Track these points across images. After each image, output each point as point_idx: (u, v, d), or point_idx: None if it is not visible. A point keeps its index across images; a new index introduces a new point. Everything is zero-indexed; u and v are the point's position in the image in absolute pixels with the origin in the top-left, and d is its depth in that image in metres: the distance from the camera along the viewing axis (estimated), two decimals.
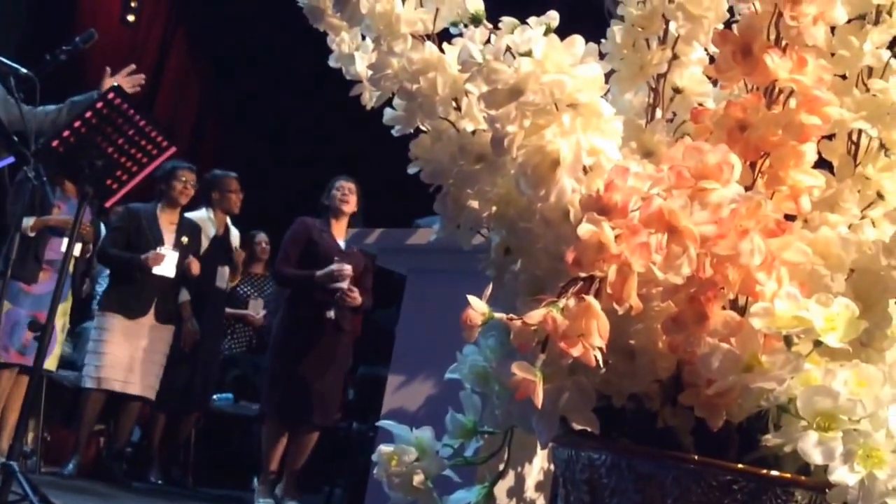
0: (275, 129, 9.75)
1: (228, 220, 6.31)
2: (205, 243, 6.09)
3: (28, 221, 5.02)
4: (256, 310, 7.17)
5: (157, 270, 5.63)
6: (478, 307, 1.02)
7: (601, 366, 0.99)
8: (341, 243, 5.64)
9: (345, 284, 5.47)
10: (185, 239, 5.83)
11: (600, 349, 0.98)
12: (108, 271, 6.08)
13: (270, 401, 5.57)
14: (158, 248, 5.64)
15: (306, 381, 5.43)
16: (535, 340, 0.97)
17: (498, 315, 1.02)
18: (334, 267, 5.43)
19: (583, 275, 0.97)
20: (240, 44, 9.77)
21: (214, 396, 6.68)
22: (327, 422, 5.62)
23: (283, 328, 5.65)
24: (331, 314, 5.52)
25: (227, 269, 6.22)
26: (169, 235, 5.77)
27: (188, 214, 6.05)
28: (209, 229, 6.14)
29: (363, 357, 6.58)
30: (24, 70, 4.07)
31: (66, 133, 3.58)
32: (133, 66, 4.50)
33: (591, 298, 0.95)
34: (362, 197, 5.82)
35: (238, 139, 10.10)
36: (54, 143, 3.61)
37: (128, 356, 5.58)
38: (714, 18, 1.24)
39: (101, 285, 6.11)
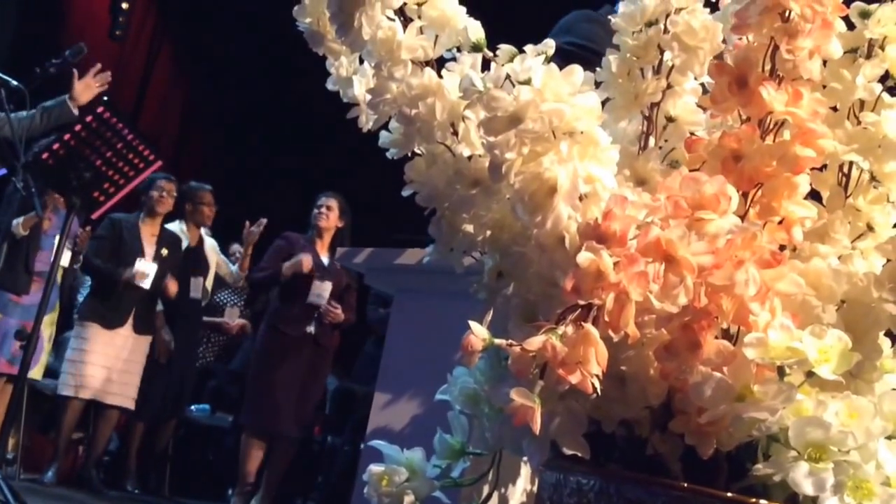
0: (259, 143, 9.76)
1: (203, 231, 6.33)
2: (178, 255, 6.12)
3: (18, 220, 5.01)
4: (232, 318, 7.17)
5: (135, 281, 5.65)
6: (478, 333, 1.02)
7: (598, 392, 1.00)
8: (324, 259, 5.65)
9: (321, 302, 5.50)
10: (164, 251, 5.84)
11: (597, 376, 0.98)
12: (88, 281, 6.08)
13: (249, 413, 5.57)
14: (139, 260, 5.64)
15: (285, 394, 5.45)
16: (534, 366, 0.98)
17: (497, 341, 1.02)
18: (301, 257, 5.46)
19: (581, 302, 0.98)
20: (225, 59, 9.79)
21: (192, 407, 6.67)
22: (304, 435, 5.65)
23: (263, 342, 5.66)
24: (311, 329, 5.53)
25: (200, 280, 6.24)
26: (149, 247, 5.79)
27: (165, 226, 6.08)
28: (184, 240, 6.17)
29: (335, 371, 6.59)
30: (14, 82, 4.08)
31: (55, 146, 3.59)
32: (99, 66, 4.52)
33: (589, 326, 0.96)
34: (348, 213, 5.83)
35: (222, 153, 10.10)
36: (44, 156, 3.61)
37: (106, 365, 5.60)
38: (709, 49, 1.26)
39: (83, 295, 6.10)
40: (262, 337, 5.72)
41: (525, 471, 1.93)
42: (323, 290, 5.57)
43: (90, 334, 5.59)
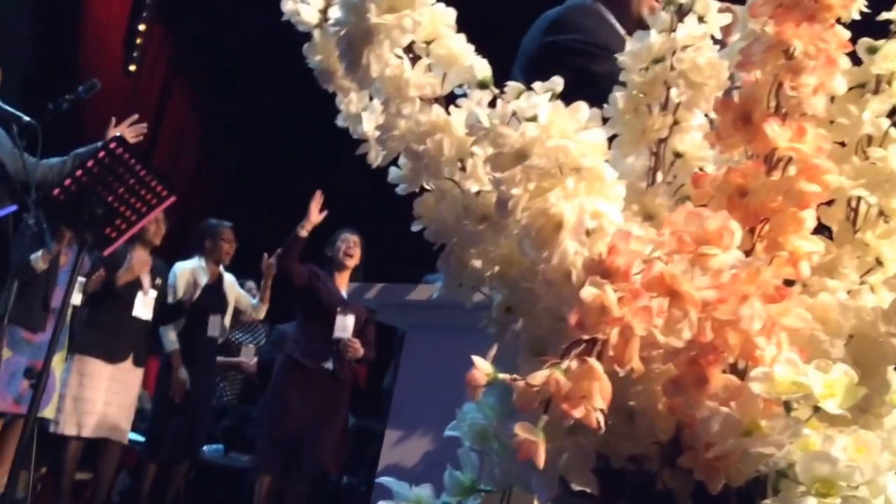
0: (274, 178, 9.82)
1: (222, 268, 6.33)
2: (196, 292, 6.11)
3: (37, 254, 5.04)
4: (249, 356, 7.17)
5: (135, 313, 5.64)
6: (482, 367, 1.03)
7: (602, 427, 1.00)
8: (344, 293, 5.66)
9: (346, 336, 5.48)
10: (158, 281, 5.86)
11: (602, 411, 0.99)
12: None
13: (264, 451, 5.54)
14: (139, 295, 5.66)
15: (301, 432, 5.41)
16: (538, 401, 0.98)
17: (501, 375, 1.03)
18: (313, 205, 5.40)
19: (585, 337, 0.99)
20: (239, 93, 9.87)
21: (205, 447, 6.64)
22: (320, 473, 5.60)
23: (279, 377, 5.65)
24: (328, 365, 5.52)
25: (218, 318, 6.24)
26: (146, 278, 5.80)
27: (180, 264, 6.08)
28: (200, 278, 6.17)
29: (353, 409, 6.56)
30: (26, 118, 4.13)
31: (67, 182, 3.62)
32: (136, 116, 4.57)
33: (593, 361, 0.96)
34: (364, 249, 5.86)
35: (235, 188, 10.16)
36: (56, 192, 3.65)
37: (108, 401, 5.57)
38: (715, 86, 1.27)
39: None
40: (279, 370, 5.72)
41: None
42: (347, 324, 5.57)
43: (91, 369, 5.56)
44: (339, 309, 5.58)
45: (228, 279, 6.42)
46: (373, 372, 6.39)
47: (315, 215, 5.58)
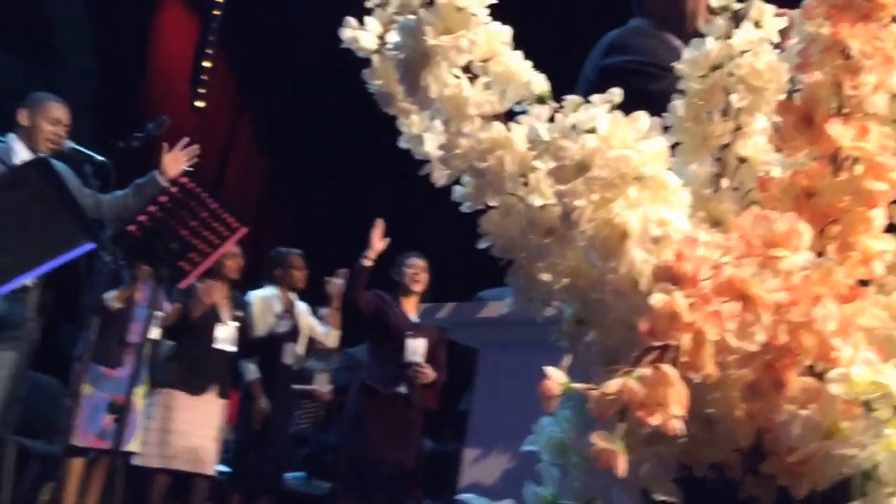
0: (342, 206, 9.91)
1: (294, 295, 6.38)
2: (271, 320, 6.16)
3: (111, 294, 5.13)
4: (323, 384, 7.20)
5: (218, 345, 5.71)
6: (556, 377, 1.03)
7: (682, 434, 1.00)
8: (412, 317, 5.67)
9: (417, 359, 5.48)
10: (240, 313, 5.92)
11: (680, 417, 0.99)
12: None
13: (343, 478, 5.56)
14: (217, 326, 5.72)
15: (378, 457, 5.41)
16: (614, 410, 0.98)
17: (576, 385, 1.03)
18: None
19: (657, 344, 0.99)
20: (305, 123, 10.00)
21: (288, 475, 6.69)
22: (401, 499, 5.59)
23: (354, 404, 5.67)
24: (402, 389, 5.52)
25: (293, 346, 6.29)
26: (224, 310, 5.87)
27: (254, 293, 6.15)
28: (275, 306, 6.22)
29: (431, 433, 6.56)
30: (99, 157, 4.24)
31: (142, 217, 3.70)
32: (186, 139, 4.63)
33: (666, 367, 0.96)
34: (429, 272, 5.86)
35: (303, 218, 10.27)
36: (131, 228, 3.73)
37: (192, 433, 5.62)
38: (775, 89, 1.26)
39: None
40: (354, 396, 5.74)
41: None
42: (417, 348, 5.57)
43: (176, 402, 5.64)
44: (408, 333, 5.59)
45: (301, 307, 6.48)
46: (449, 394, 6.38)
47: (377, 244, 5.62)
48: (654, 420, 0.96)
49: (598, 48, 2.34)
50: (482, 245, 1.35)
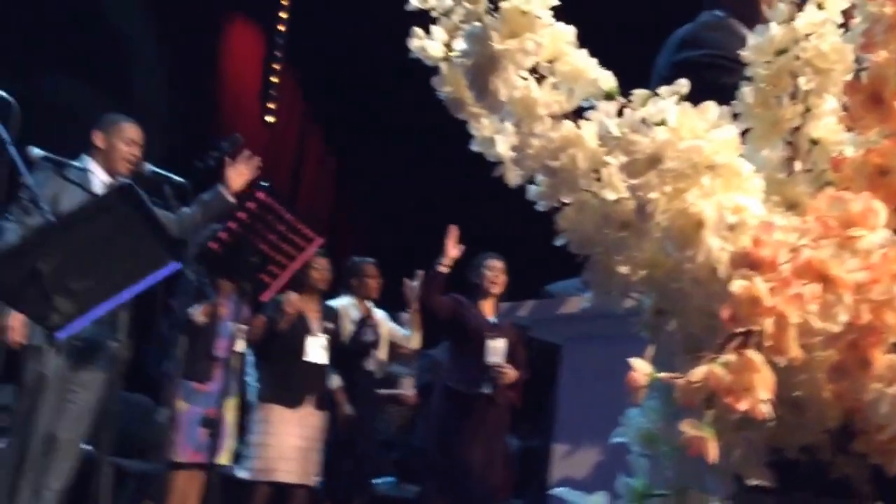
0: (415, 211, 9.95)
1: (370, 303, 6.44)
2: (350, 329, 6.22)
3: (194, 309, 5.21)
4: (409, 388, 7.25)
5: (309, 357, 5.77)
6: (641, 368, 1.05)
7: (770, 418, 1.01)
8: (491, 319, 5.68)
9: (498, 360, 5.50)
10: (329, 324, 5.97)
11: (768, 401, 0.99)
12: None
13: (431, 481, 5.59)
14: (308, 339, 5.78)
15: (465, 458, 5.43)
16: (701, 397, 0.99)
17: (661, 375, 1.05)
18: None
19: (740, 329, 1.00)
20: (374, 132, 10.07)
21: (378, 480, 6.73)
22: (491, 499, 5.59)
23: (438, 406, 5.70)
24: (485, 389, 5.53)
25: (374, 352, 6.33)
26: (314, 323, 5.92)
27: (329, 302, 6.21)
28: (353, 314, 6.27)
29: (518, 431, 6.56)
30: (177, 178, 4.33)
31: (222, 234, 3.78)
32: (248, 153, 4.65)
33: (751, 352, 0.98)
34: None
35: (379, 224, 10.35)
36: (213, 245, 3.81)
37: (290, 445, 5.68)
38: (842, 70, 1.26)
39: (250, 377, 6.23)
40: (438, 400, 5.77)
41: None
42: (498, 348, 5.59)
43: (273, 416, 5.71)
44: (488, 334, 5.61)
45: (379, 314, 6.54)
46: (533, 391, 6.38)
47: (452, 250, 5.64)
48: (742, 405, 0.97)
49: (670, 44, 2.33)
50: (558, 242, 1.37)
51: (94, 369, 4.31)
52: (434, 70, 1.39)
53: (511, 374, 5.56)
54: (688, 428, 0.98)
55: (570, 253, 1.38)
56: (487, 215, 8.24)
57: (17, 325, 3.98)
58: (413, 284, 6.08)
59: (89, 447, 4.61)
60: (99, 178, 4.41)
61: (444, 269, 5.57)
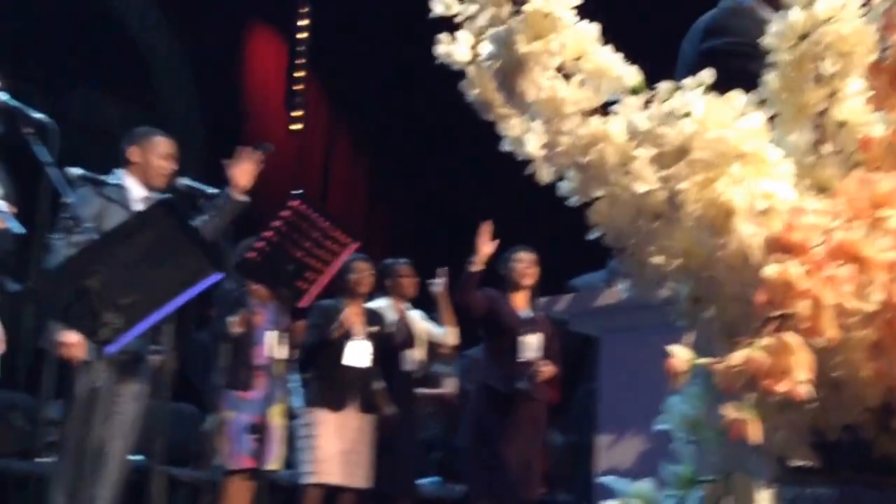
0: (446, 210, 9.97)
1: (407, 304, 6.47)
2: (386, 329, 6.26)
3: (230, 319, 5.26)
4: (451, 387, 7.26)
5: (349, 361, 5.81)
6: (681, 355, 1.07)
7: (811, 399, 1.02)
8: (523, 313, 5.68)
9: (534, 355, 5.49)
10: (374, 328, 6.01)
11: (808, 382, 1.01)
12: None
13: (474, 480, 5.59)
14: (349, 342, 5.82)
15: (505, 456, 5.42)
16: (741, 382, 1.01)
17: (701, 360, 1.07)
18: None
19: (776, 313, 1.01)
20: (400, 133, 10.09)
21: (423, 480, 6.76)
22: (532, 495, 5.58)
23: (476, 404, 5.70)
24: (522, 385, 5.53)
25: (411, 352, 6.36)
26: (357, 327, 5.96)
27: (368, 305, 6.25)
28: (389, 316, 6.30)
29: (559, 425, 6.55)
30: (212, 190, 4.38)
31: (259, 244, 3.82)
32: (244, 148, 4.63)
33: (788, 334, 0.99)
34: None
35: (411, 225, 10.38)
36: (250, 255, 3.86)
37: (339, 448, 5.73)
38: (864, 51, 1.27)
39: (294, 381, 6.28)
40: (476, 398, 5.77)
41: (764, 492, 1.92)
42: (532, 344, 5.58)
43: (318, 419, 5.77)
44: (521, 330, 5.61)
45: (414, 314, 6.56)
46: (571, 385, 6.38)
47: (484, 248, 5.62)
48: (782, 387, 0.99)
49: (694, 32, 2.33)
50: (592, 235, 1.39)
51: (139, 381, 4.39)
52: (457, 69, 1.42)
53: (548, 369, 5.55)
54: (729, 411, 1.00)
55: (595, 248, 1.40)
56: (519, 212, 8.24)
57: (77, 341, 4.05)
58: (438, 282, 6.08)
59: (141, 457, 4.69)
60: (136, 194, 4.46)
61: (476, 268, 5.56)
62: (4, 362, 3.51)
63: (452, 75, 1.43)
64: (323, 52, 10.21)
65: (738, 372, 1.00)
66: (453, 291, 5.86)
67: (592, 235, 1.39)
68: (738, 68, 2.07)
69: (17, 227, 2.78)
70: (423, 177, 10.22)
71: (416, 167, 10.28)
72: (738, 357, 1.00)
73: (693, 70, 2.26)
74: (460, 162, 9.58)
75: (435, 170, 10.07)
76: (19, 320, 3.46)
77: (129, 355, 4.21)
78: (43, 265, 3.93)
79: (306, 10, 10.23)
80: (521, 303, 5.78)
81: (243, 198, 4.51)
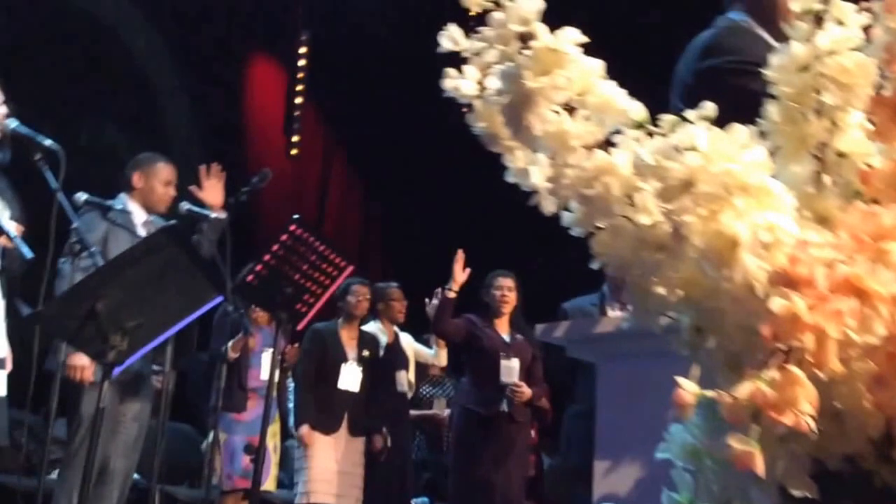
0: (438, 236, 10.00)
1: (396, 328, 6.53)
2: (379, 353, 6.30)
3: (227, 345, 5.31)
4: (441, 409, 7.29)
5: (344, 385, 5.84)
6: (688, 387, 1.08)
7: (814, 431, 1.03)
8: (506, 337, 5.72)
9: (512, 380, 5.54)
10: (366, 352, 6.04)
11: (811, 415, 1.02)
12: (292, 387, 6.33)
13: (456, 501, 5.62)
14: (343, 366, 5.85)
15: (489, 478, 5.46)
16: (747, 414, 1.02)
17: (707, 393, 1.08)
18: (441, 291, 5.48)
19: (782, 346, 1.03)
20: (394, 162, 10.15)
21: (413, 500, 6.78)
22: None
23: (458, 426, 5.75)
24: (503, 407, 5.57)
25: (403, 374, 6.40)
26: (351, 351, 5.99)
27: (363, 328, 6.29)
28: (380, 339, 6.36)
29: (546, 448, 6.56)
30: (213, 214, 4.41)
31: (258, 267, 3.85)
32: (205, 166, 4.68)
33: (794, 368, 1.01)
34: (520, 288, 5.89)
35: (403, 250, 10.41)
36: (249, 278, 3.88)
37: (330, 469, 5.77)
38: (865, 84, 1.28)
39: (292, 402, 6.33)
40: (458, 421, 5.81)
41: None
42: (511, 368, 5.64)
43: (310, 441, 5.81)
44: (502, 354, 5.66)
45: (405, 337, 6.63)
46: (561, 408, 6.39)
47: (459, 275, 5.69)
48: (787, 420, 1.00)
49: (692, 50, 2.32)
50: (595, 265, 1.41)
51: (140, 400, 4.44)
52: (454, 96, 1.43)
53: (526, 392, 5.61)
54: (736, 443, 1.01)
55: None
56: (511, 237, 8.27)
57: (88, 363, 4.10)
58: (434, 303, 6.14)
59: (138, 476, 4.70)
60: (139, 218, 4.53)
61: (452, 295, 5.63)
62: (12, 382, 3.55)
63: (446, 102, 1.44)
64: (321, 80, 10.27)
65: (744, 404, 1.01)
66: (432, 319, 5.91)
67: (594, 265, 1.41)
68: (740, 87, 2.08)
69: (26, 252, 2.83)
70: (418, 201, 10.25)
71: (409, 192, 10.32)
72: (744, 390, 1.01)
73: (691, 88, 2.28)
74: (452, 187, 9.62)
75: (426, 195, 10.10)
76: (27, 341, 3.50)
77: (131, 375, 4.25)
78: (52, 289, 3.97)
79: (305, 38, 10.30)
80: (502, 327, 5.84)
81: (221, 215, 4.56)
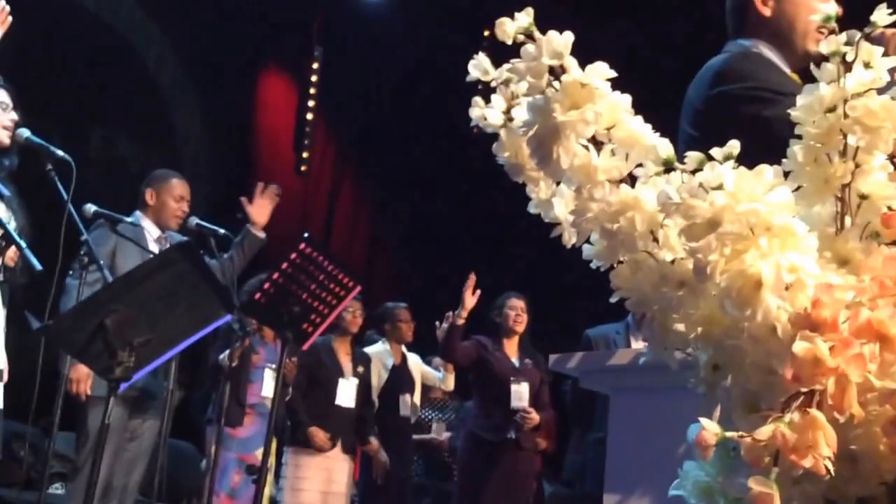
0: (445, 256, 10.03)
1: (404, 348, 6.51)
2: (384, 375, 6.27)
3: (223, 354, 5.29)
4: (440, 433, 7.27)
5: (339, 401, 5.82)
6: (710, 428, 1.08)
7: (831, 474, 1.04)
8: (514, 361, 5.70)
9: (522, 405, 5.52)
10: (360, 368, 6.03)
11: (829, 458, 1.03)
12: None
13: None
14: (340, 380, 5.84)
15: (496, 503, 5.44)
16: (767, 455, 1.03)
17: (728, 434, 1.08)
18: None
19: (803, 389, 1.03)
20: (404, 179, 10.17)
21: None
22: None
23: (465, 452, 5.72)
24: (511, 435, 5.55)
25: (408, 397, 6.38)
26: (347, 365, 5.98)
27: (366, 349, 6.27)
28: (387, 360, 6.34)
29: (549, 475, 6.55)
30: (221, 231, 4.43)
31: (266, 285, 3.85)
32: (262, 184, 4.77)
33: (815, 411, 1.01)
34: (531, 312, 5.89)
35: (409, 270, 10.42)
36: (257, 296, 3.88)
37: (321, 490, 5.75)
38: (891, 127, 1.29)
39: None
40: (464, 447, 5.79)
41: None
42: (521, 393, 5.61)
43: (303, 461, 5.78)
44: (511, 378, 5.64)
45: (413, 359, 6.60)
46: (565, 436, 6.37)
47: (469, 301, 5.66)
48: (806, 462, 1.00)
49: (704, 76, 2.31)
50: (614, 299, 1.41)
51: (147, 417, 4.45)
52: (464, 113, 1.44)
53: (535, 418, 5.58)
54: (755, 485, 1.02)
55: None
56: (519, 258, 8.27)
57: (83, 377, 4.11)
58: (444, 325, 6.13)
59: (140, 495, 4.69)
60: (150, 233, 4.56)
61: (461, 321, 5.61)
62: (14, 394, 3.55)
63: (457, 123, 1.45)
64: (332, 96, 10.32)
65: (764, 446, 1.02)
66: (440, 345, 5.90)
67: (613, 298, 1.41)
68: (752, 114, 2.09)
69: (36, 263, 2.83)
70: (423, 221, 10.27)
71: (418, 211, 10.34)
72: (765, 432, 1.02)
73: (701, 114, 2.28)
74: (462, 207, 9.64)
75: (435, 214, 10.12)
76: (32, 354, 3.51)
77: (138, 392, 4.26)
78: (60, 303, 3.99)
79: (317, 54, 10.36)
80: (511, 349, 5.82)
81: (261, 234, 4.61)
